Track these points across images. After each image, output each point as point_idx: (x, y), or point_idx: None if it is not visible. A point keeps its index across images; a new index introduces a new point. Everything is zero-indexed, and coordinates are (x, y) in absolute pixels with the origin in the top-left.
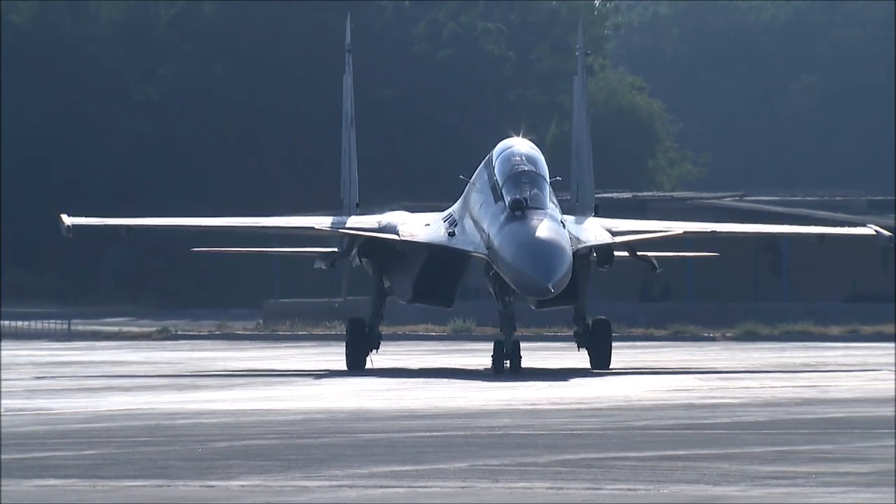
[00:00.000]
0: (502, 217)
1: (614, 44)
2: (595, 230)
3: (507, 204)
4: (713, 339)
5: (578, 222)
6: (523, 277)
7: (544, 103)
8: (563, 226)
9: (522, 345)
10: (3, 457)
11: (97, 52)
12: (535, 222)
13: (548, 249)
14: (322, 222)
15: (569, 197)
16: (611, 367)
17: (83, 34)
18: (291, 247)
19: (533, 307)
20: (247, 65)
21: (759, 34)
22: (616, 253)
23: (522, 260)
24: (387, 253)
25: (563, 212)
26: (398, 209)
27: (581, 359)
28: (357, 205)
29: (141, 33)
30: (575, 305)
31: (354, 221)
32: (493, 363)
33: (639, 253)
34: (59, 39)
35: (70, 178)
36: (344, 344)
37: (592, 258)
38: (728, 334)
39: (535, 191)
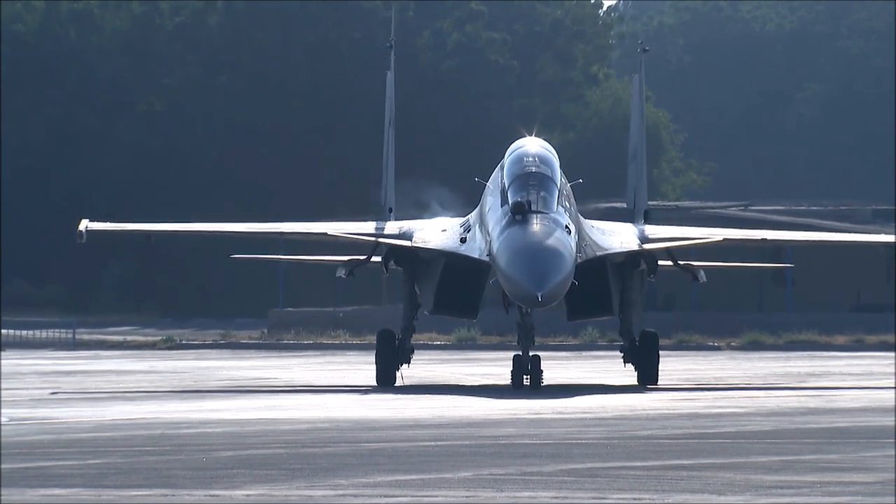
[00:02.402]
0: (504, 221)
1: (619, 53)
2: (624, 237)
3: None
4: (718, 349)
5: (605, 229)
6: (514, 286)
7: (548, 113)
8: (570, 231)
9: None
10: (7, 466)
11: (101, 63)
12: (534, 227)
13: (542, 256)
14: (339, 228)
15: (625, 203)
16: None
17: (87, 45)
18: (311, 255)
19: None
20: (250, 76)
21: (763, 44)
22: (661, 262)
23: (515, 267)
24: (415, 261)
25: (616, 217)
26: (449, 215)
27: (585, 368)
28: (390, 210)
29: (145, 44)
30: (620, 318)
31: (373, 227)
32: (511, 379)
33: (682, 262)
34: (63, 50)
35: (72, 188)
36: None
37: (643, 267)
38: (733, 344)
39: (543, 193)
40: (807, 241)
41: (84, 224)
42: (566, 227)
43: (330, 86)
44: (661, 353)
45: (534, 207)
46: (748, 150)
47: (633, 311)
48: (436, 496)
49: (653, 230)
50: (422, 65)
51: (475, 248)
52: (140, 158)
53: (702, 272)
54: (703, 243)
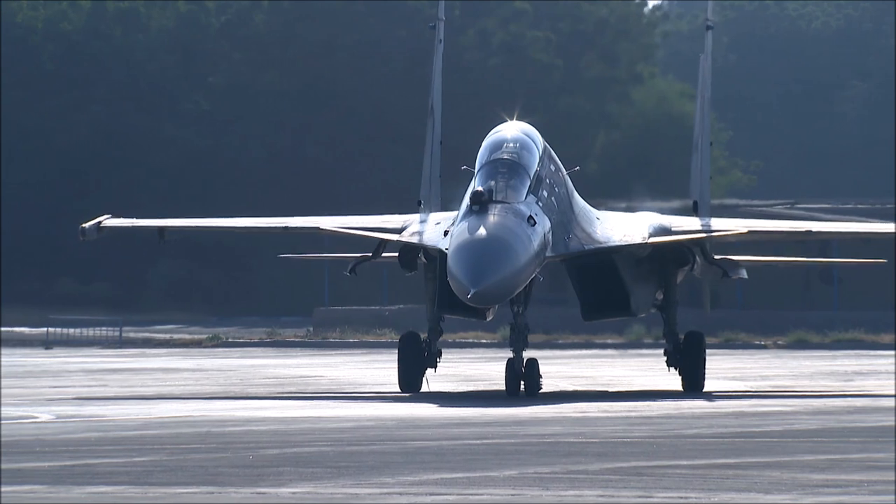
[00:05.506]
0: (462, 212)
1: (664, 52)
2: (628, 229)
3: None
4: (764, 347)
5: (609, 221)
6: (453, 280)
7: (592, 111)
8: (534, 223)
9: (565, 353)
10: (54, 464)
11: (147, 62)
12: (488, 219)
13: (484, 250)
14: (334, 222)
15: (675, 203)
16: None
17: (133, 44)
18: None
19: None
20: (296, 74)
21: (809, 42)
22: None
23: (456, 261)
24: (439, 259)
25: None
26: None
27: (631, 366)
28: (419, 202)
29: (191, 43)
30: (664, 318)
31: (381, 221)
32: (505, 385)
33: (718, 257)
34: (109, 49)
35: (119, 187)
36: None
37: (693, 268)
38: (779, 342)
39: (513, 181)
40: (859, 232)
41: (96, 221)
42: (529, 218)
43: (375, 84)
44: (707, 351)
45: (497, 197)
46: (794, 149)
47: (673, 311)
48: (481, 494)
49: (671, 221)
50: (467, 63)
51: (446, 241)
52: (186, 157)
53: (742, 270)
54: (726, 235)
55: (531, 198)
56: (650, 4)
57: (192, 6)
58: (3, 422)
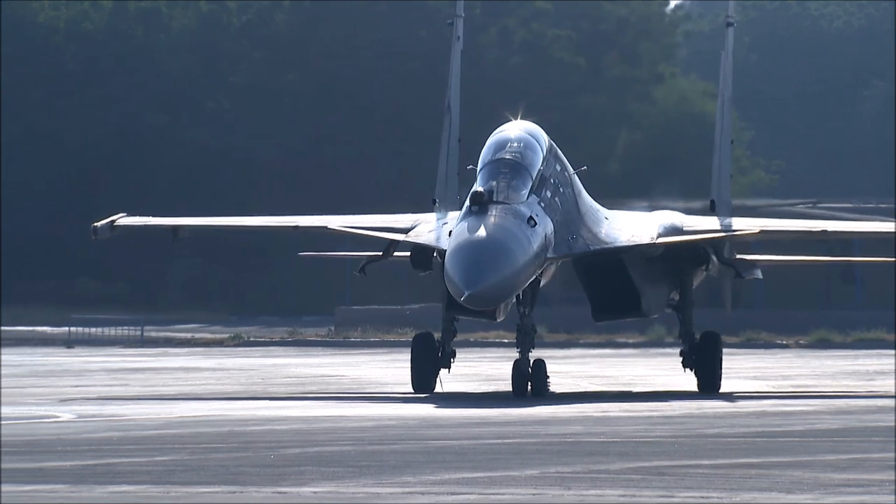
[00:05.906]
0: (462, 212)
1: (685, 51)
2: (636, 230)
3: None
4: (786, 347)
5: (618, 221)
6: (449, 283)
7: (613, 111)
8: (534, 224)
9: (587, 353)
10: (76, 463)
11: (168, 62)
12: (486, 220)
13: (480, 252)
14: (342, 221)
15: (694, 204)
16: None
17: (155, 43)
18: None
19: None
20: (317, 74)
21: (830, 42)
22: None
23: (452, 262)
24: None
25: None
26: None
27: (651, 366)
28: (434, 201)
29: (212, 43)
30: (680, 318)
31: (390, 220)
32: (512, 386)
33: (738, 256)
34: (130, 49)
35: (139, 186)
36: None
37: (708, 268)
38: (801, 342)
39: (514, 182)
40: (875, 231)
41: (109, 220)
42: (529, 219)
43: (395, 83)
44: (728, 350)
45: (498, 197)
46: (816, 148)
47: (689, 311)
48: (503, 494)
49: (683, 220)
50: (487, 62)
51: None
52: (206, 156)
53: (757, 270)
54: (737, 235)
55: (533, 198)
56: (672, 4)
57: (213, 6)
58: (24, 421)
